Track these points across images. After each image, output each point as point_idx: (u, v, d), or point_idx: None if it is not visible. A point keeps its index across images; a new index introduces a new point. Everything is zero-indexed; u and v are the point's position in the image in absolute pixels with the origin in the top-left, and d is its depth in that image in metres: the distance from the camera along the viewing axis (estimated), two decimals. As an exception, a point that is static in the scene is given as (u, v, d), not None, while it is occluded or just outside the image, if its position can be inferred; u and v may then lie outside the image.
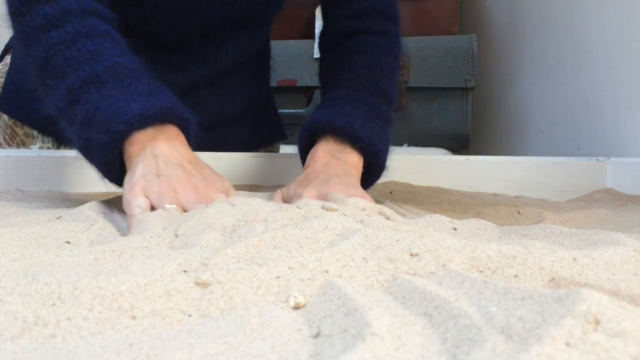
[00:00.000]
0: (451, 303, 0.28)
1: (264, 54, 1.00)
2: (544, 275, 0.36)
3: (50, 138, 0.98)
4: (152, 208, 0.55)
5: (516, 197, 0.90)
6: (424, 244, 0.38)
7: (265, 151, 1.07)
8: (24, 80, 0.93)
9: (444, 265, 0.36)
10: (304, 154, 0.73)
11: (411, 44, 1.55)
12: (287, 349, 0.26)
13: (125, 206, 0.56)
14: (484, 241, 0.41)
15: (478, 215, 0.71)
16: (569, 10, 1.26)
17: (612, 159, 0.96)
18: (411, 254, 0.37)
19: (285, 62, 1.57)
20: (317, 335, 0.29)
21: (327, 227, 0.43)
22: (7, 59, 1.00)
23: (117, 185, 0.63)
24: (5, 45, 1.01)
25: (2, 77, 0.98)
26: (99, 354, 0.26)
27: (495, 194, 0.91)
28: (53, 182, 0.86)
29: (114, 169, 0.61)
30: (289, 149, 1.10)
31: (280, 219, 0.48)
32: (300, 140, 0.73)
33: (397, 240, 0.39)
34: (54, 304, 0.30)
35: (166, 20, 0.80)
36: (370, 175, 0.71)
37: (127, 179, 0.58)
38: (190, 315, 0.31)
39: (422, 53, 1.56)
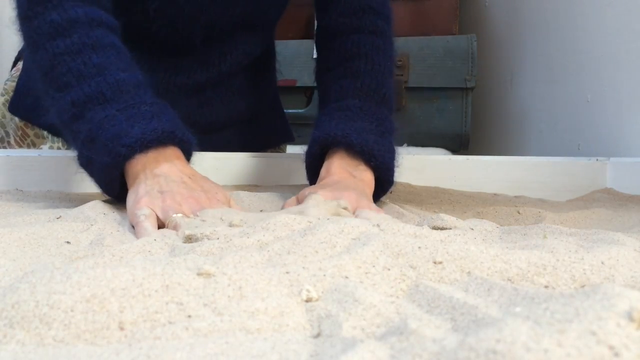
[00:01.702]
0: (479, 309, 0.28)
1: (270, 56, 1.00)
2: (576, 284, 0.34)
3: (60, 138, 0.97)
4: (158, 221, 0.56)
5: (516, 197, 0.90)
6: (447, 252, 0.37)
7: (272, 152, 1.06)
8: (33, 82, 0.93)
9: (469, 273, 0.35)
10: (311, 164, 0.74)
11: (411, 44, 1.54)
12: (287, 349, 0.26)
13: (130, 219, 0.57)
14: (511, 248, 0.40)
15: (478, 215, 0.70)
16: (569, 11, 1.25)
17: (612, 159, 0.96)
18: (435, 262, 0.36)
19: (285, 62, 1.57)
20: (317, 335, 0.29)
21: (342, 231, 0.41)
22: (20, 64, 1.00)
23: (116, 200, 0.65)
24: (19, 52, 1.01)
25: (14, 81, 0.98)
26: (98, 353, 0.26)
27: (495, 194, 0.91)
28: (53, 182, 0.86)
29: (114, 186, 0.63)
30: (294, 149, 1.09)
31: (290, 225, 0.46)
32: (310, 152, 0.74)
33: (419, 247, 0.37)
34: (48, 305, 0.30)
35: (169, 23, 0.81)
36: (378, 190, 0.73)
37: (131, 197, 0.60)
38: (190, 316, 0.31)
39: (421, 53, 1.56)
